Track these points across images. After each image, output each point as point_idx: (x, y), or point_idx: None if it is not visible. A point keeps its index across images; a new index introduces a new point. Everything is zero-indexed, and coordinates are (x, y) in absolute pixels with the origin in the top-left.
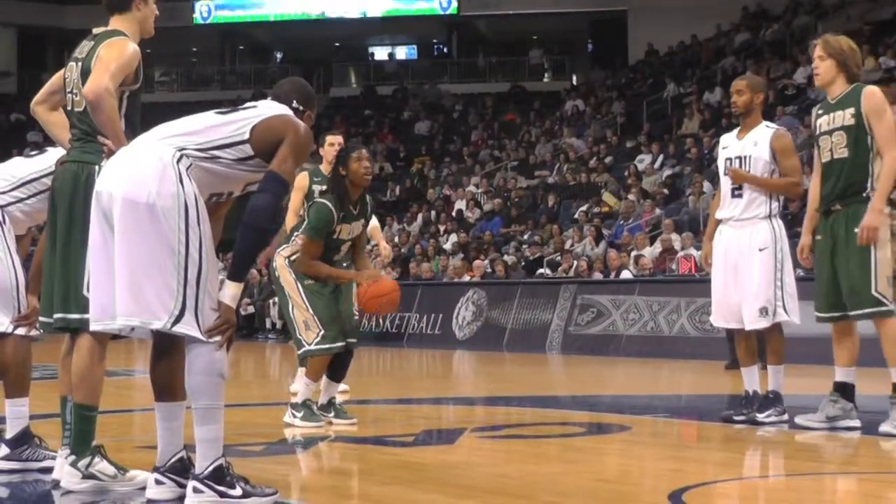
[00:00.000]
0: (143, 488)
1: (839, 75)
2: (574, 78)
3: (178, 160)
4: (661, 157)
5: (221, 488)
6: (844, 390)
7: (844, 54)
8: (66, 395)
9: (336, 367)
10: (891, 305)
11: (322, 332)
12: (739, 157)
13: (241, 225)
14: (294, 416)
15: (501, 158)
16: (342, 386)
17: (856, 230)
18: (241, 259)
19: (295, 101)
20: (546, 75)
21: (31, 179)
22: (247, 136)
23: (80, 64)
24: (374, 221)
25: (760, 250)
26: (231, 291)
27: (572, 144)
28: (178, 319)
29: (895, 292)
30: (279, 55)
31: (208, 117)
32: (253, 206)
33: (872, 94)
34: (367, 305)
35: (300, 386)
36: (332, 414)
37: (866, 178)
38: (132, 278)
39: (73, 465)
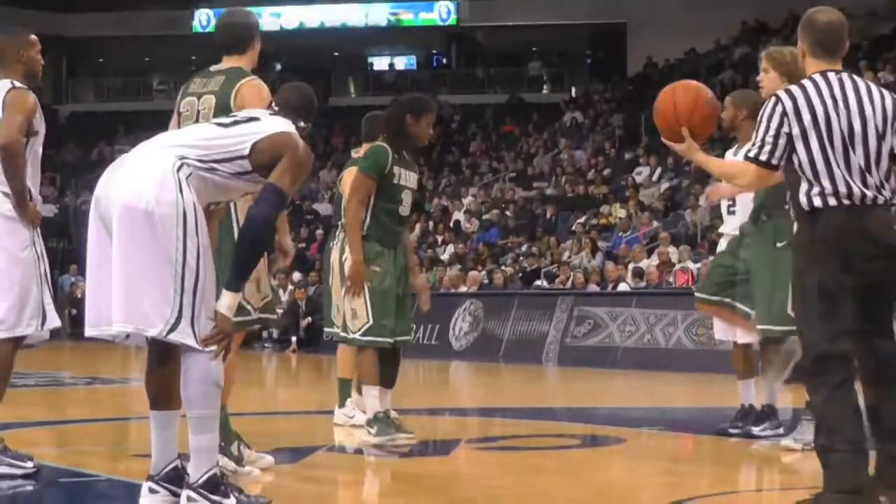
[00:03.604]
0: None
1: None
2: (573, 90)
3: (179, 168)
4: (658, 170)
5: (216, 498)
6: None
7: (789, 66)
8: None
9: (383, 370)
10: None
11: (370, 323)
12: None
13: (238, 235)
14: (369, 433)
15: (500, 170)
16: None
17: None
18: (237, 269)
19: (299, 116)
20: (545, 87)
21: None
22: (246, 152)
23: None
24: None
25: None
26: (227, 301)
27: (571, 156)
28: (173, 327)
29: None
30: (278, 64)
31: (209, 129)
32: (250, 217)
33: None
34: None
35: (368, 400)
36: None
37: None
38: (128, 285)
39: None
